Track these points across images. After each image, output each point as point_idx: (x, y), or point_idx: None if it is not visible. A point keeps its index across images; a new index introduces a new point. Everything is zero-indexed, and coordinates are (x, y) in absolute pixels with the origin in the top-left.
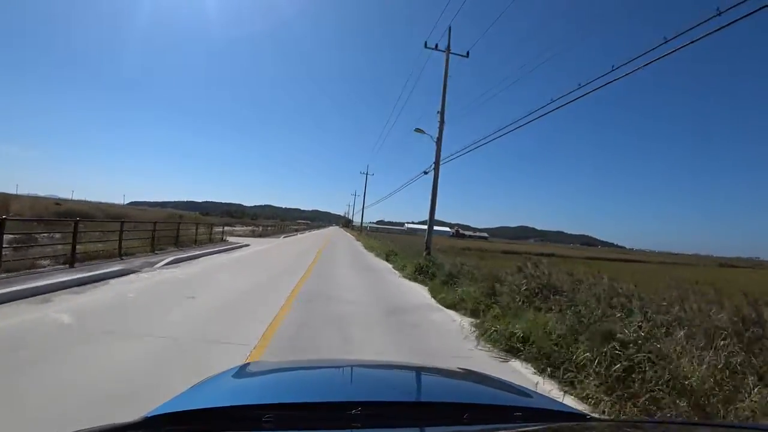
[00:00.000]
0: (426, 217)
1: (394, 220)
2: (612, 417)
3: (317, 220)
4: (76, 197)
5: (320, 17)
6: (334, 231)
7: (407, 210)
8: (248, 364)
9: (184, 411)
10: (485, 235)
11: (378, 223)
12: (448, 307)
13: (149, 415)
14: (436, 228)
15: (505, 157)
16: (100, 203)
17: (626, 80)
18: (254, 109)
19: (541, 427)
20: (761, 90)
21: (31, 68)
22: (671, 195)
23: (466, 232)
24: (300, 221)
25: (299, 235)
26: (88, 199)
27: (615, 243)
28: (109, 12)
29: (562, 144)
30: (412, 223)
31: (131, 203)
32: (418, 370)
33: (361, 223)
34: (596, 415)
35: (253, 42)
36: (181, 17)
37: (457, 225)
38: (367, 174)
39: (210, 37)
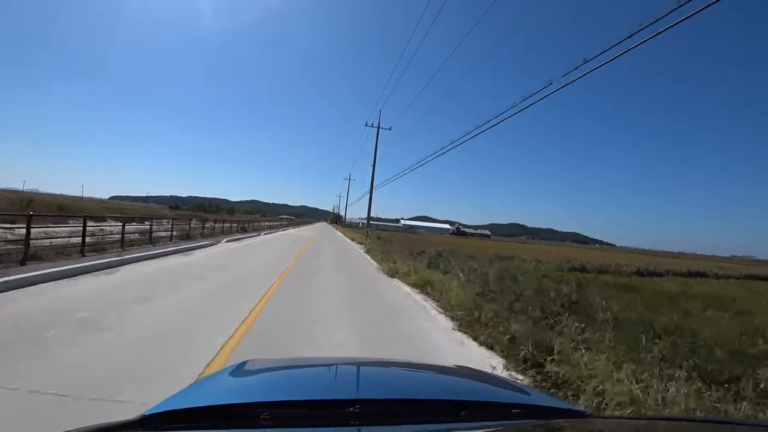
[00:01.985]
0: (420, 212)
1: (382, 216)
2: (611, 414)
3: (305, 216)
4: (27, 188)
5: (310, 8)
6: (321, 230)
7: (398, 205)
8: (246, 361)
9: (181, 409)
10: (487, 233)
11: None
12: None
13: (147, 413)
14: (434, 225)
15: (496, 156)
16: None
17: (618, 79)
18: (244, 106)
19: (539, 423)
20: (756, 85)
21: (18, 62)
22: (661, 192)
23: (467, 230)
24: (282, 216)
25: (218, 249)
26: (40, 189)
27: (604, 240)
28: (93, 4)
29: (554, 142)
30: (408, 219)
31: (113, 197)
32: (416, 368)
33: (368, 218)
34: (595, 413)
35: (243, 35)
36: (165, 8)
37: (457, 223)
38: (378, 127)
39: (203, 33)
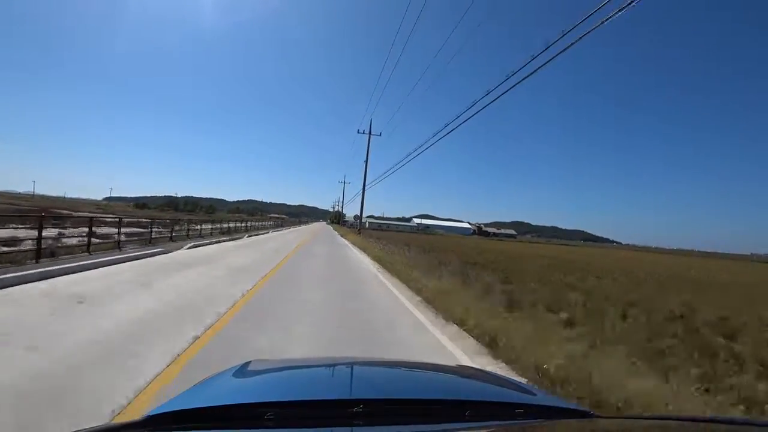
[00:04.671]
0: (422, 211)
1: (387, 215)
2: (615, 414)
3: (303, 215)
4: None
5: (308, 8)
6: (315, 234)
7: (400, 204)
8: (250, 362)
9: (186, 409)
10: (512, 232)
11: (369, 217)
12: None
13: (152, 414)
14: (452, 225)
15: (498, 151)
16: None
17: (623, 77)
18: (241, 106)
19: (543, 423)
20: (756, 88)
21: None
22: (664, 190)
23: (490, 230)
24: (272, 215)
25: None
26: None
27: (610, 239)
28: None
29: (558, 139)
30: (424, 217)
31: (109, 198)
32: (420, 368)
33: None
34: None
35: (239, 32)
36: (163, 5)
37: (477, 224)
38: None
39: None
